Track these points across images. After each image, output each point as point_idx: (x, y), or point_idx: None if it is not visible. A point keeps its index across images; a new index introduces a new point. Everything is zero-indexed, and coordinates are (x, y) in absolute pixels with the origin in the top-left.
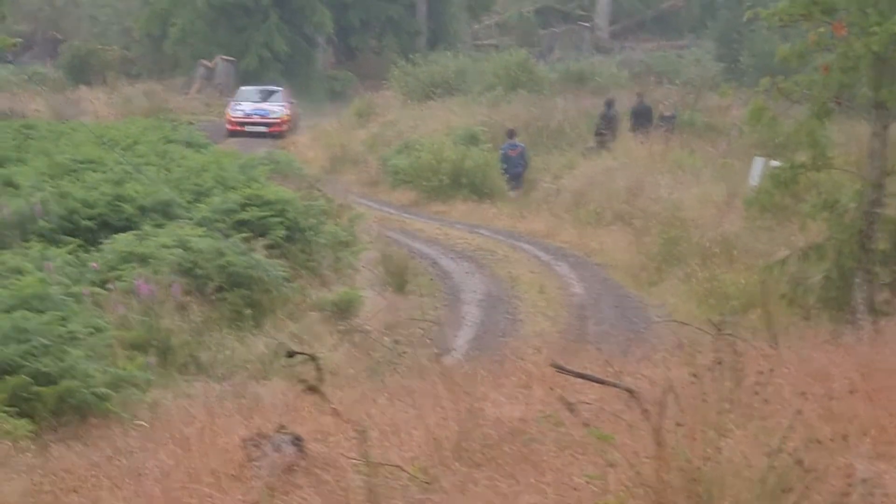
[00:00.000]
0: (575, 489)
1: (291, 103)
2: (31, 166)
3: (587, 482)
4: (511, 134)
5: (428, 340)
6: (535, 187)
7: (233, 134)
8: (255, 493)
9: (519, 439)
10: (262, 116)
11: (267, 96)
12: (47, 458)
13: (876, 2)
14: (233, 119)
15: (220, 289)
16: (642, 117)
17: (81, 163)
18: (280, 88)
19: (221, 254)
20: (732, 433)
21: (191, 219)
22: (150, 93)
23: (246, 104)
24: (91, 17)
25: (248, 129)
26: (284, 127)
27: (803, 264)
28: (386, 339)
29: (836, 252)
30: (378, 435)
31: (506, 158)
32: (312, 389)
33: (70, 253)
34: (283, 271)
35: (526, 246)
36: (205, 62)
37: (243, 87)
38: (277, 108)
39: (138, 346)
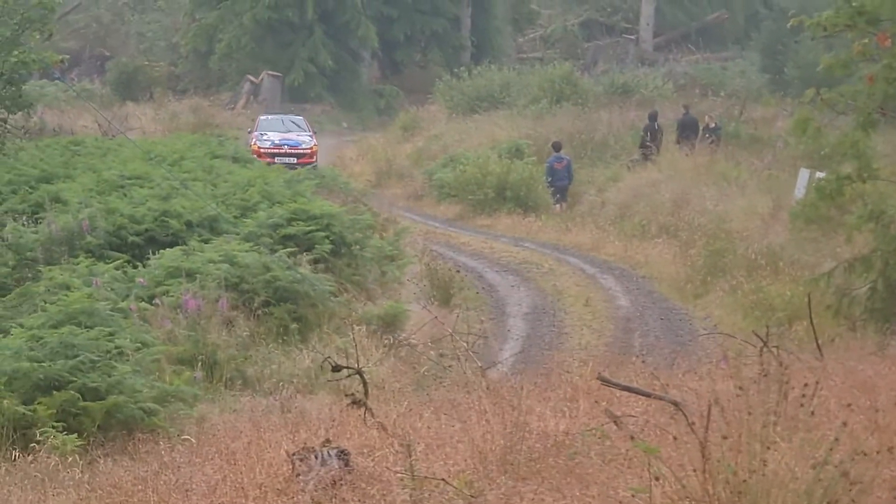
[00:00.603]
0: (620, 502)
1: (315, 133)
2: (79, 182)
3: (633, 495)
4: (557, 147)
5: (473, 354)
6: (580, 200)
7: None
8: None
9: (564, 452)
10: (293, 147)
11: (291, 125)
12: (95, 473)
13: None
14: (261, 150)
15: (266, 303)
16: (688, 129)
17: (129, 179)
18: (301, 117)
19: (268, 268)
20: (778, 446)
21: (237, 234)
22: (196, 108)
23: (272, 134)
24: (138, 33)
25: (277, 160)
26: (314, 158)
27: (849, 276)
28: (431, 352)
29: (883, 263)
30: (423, 449)
31: (551, 171)
32: (358, 403)
33: (117, 268)
34: (329, 285)
35: (571, 259)
36: (251, 77)
37: (263, 117)
38: (307, 138)
39: (185, 361)
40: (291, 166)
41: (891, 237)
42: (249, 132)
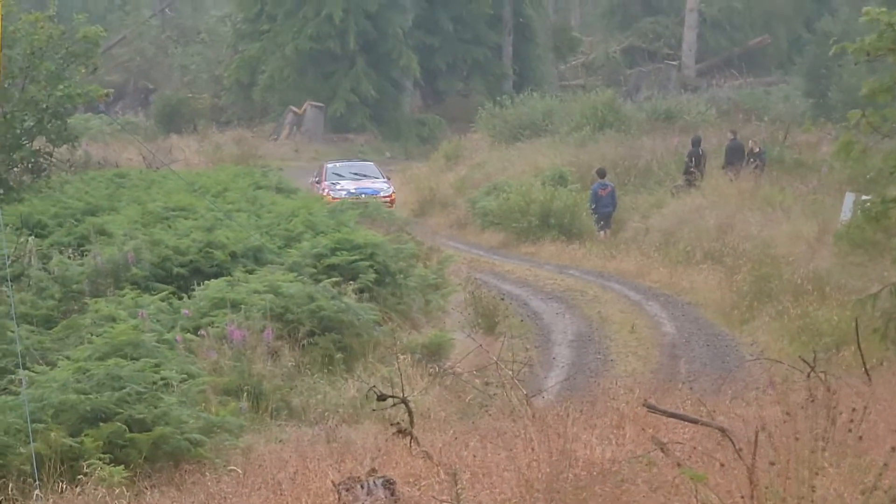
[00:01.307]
0: None
1: (389, 178)
2: (124, 215)
3: None
4: (601, 173)
5: (519, 382)
6: (625, 227)
7: None
8: None
9: (611, 480)
10: (372, 196)
11: (362, 171)
12: None
13: None
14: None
15: (311, 333)
16: (734, 155)
17: (173, 210)
18: (370, 162)
19: (312, 298)
20: (826, 471)
21: (281, 264)
22: (239, 140)
23: (346, 183)
24: (181, 66)
25: None
26: (393, 207)
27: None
28: (477, 381)
29: None
30: (469, 477)
31: (596, 198)
32: (404, 432)
33: (163, 300)
34: (374, 315)
35: (616, 286)
36: (293, 108)
37: (330, 165)
38: (384, 185)
39: (231, 392)
40: None
41: None
42: (315, 182)
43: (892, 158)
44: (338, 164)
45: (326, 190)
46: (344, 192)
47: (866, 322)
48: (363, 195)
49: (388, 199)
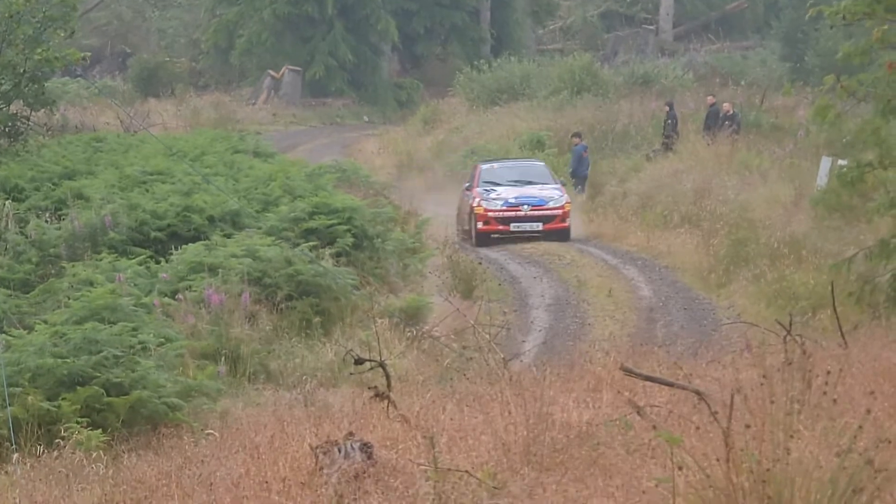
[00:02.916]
0: (644, 492)
1: (562, 183)
2: (101, 179)
3: (656, 485)
4: (578, 136)
5: (496, 346)
6: (602, 191)
7: (483, 239)
8: (324, 500)
9: (587, 443)
10: (536, 207)
11: (526, 174)
12: (119, 468)
13: None
14: (488, 213)
15: (288, 297)
16: (712, 119)
17: (151, 174)
18: (540, 162)
19: (290, 262)
20: (802, 434)
21: (259, 228)
22: (217, 104)
23: (504, 190)
24: (159, 30)
25: (514, 228)
26: (567, 222)
27: (872, 263)
28: (454, 344)
29: None
30: (446, 441)
31: (580, 160)
32: (381, 396)
33: (140, 264)
34: (352, 279)
35: (593, 250)
36: (271, 72)
37: (485, 166)
38: (554, 192)
39: (208, 356)
40: (534, 234)
41: None
42: (466, 189)
43: (867, 122)
44: (494, 165)
45: (477, 200)
46: (500, 203)
47: (842, 286)
48: (525, 206)
49: (558, 211)
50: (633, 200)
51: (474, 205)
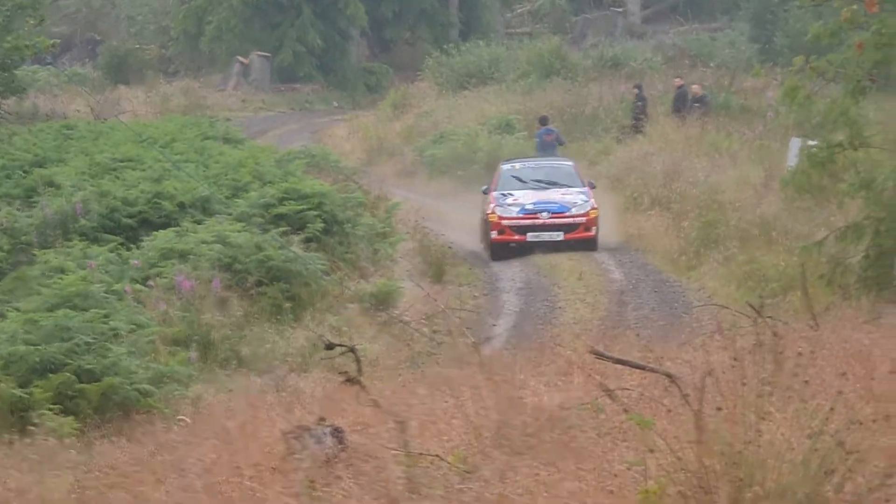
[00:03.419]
0: (615, 475)
1: (592, 184)
2: (72, 166)
3: (628, 468)
4: (544, 120)
5: (467, 330)
6: None
7: (498, 251)
8: (296, 485)
9: (559, 427)
10: (557, 214)
11: (552, 174)
12: (92, 455)
13: None
14: (502, 221)
15: (259, 283)
16: (681, 101)
17: (121, 161)
18: (569, 162)
19: (260, 248)
20: (773, 416)
21: (229, 214)
22: (187, 90)
23: (523, 194)
24: (128, 17)
25: (531, 238)
26: (593, 231)
27: (842, 244)
28: (425, 329)
29: (875, 231)
30: (418, 425)
31: (542, 144)
32: (352, 381)
33: (111, 251)
34: (322, 264)
35: None
36: (240, 58)
37: (506, 165)
38: (579, 197)
39: (180, 342)
40: (555, 245)
41: (883, 204)
42: (484, 191)
43: (837, 103)
44: (516, 165)
45: (492, 206)
46: (516, 209)
47: (813, 268)
48: (544, 213)
49: (582, 218)
50: (603, 183)
51: (488, 211)
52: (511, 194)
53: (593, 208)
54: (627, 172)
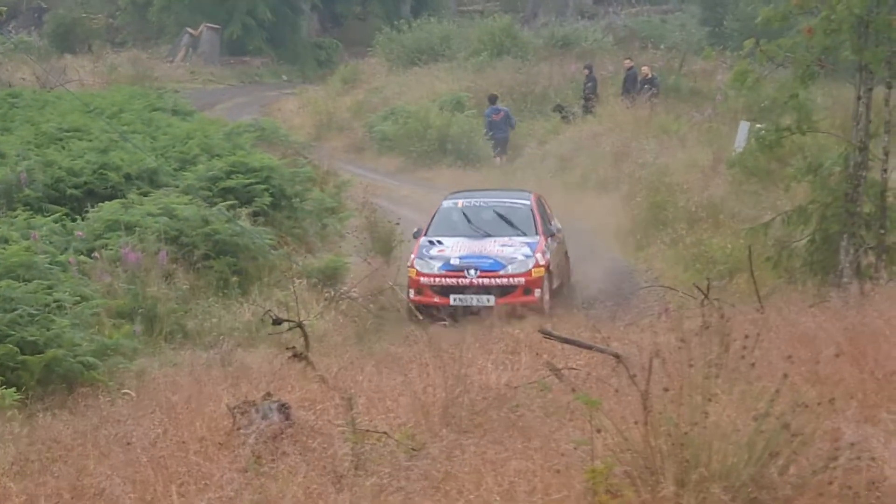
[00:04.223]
0: (562, 454)
1: (553, 230)
2: (17, 135)
3: (575, 448)
4: (493, 99)
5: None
6: (521, 153)
7: (424, 312)
8: (242, 460)
9: (506, 405)
10: (487, 273)
11: (499, 221)
12: (34, 428)
13: None
14: (423, 280)
15: (206, 257)
16: (630, 82)
17: (67, 131)
18: (527, 201)
19: (207, 222)
20: (719, 398)
21: (177, 187)
22: (135, 61)
23: (453, 242)
24: None
25: (455, 301)
26: (535, 294)
27: (788, 228)
28: (372, 305)
29: (821, 215)
30: (365, 402)
31: (490, 124)
32: (299, 357)
33: (56, 221)
34: (269, 239)
35: None
36: (189, 30)
37: (449, 202)
38: (520, 250)
39: (125, 315)
40: (485, 309)
41: (829, 189)
42: (416, 234)
43: (786, 87)
44: (460, 202)
45: (412, 257)
46: (439, 264)
47: (759, 250)
48: (472, 271)
49: (520, 279)
50: (552, 162)
51: (409, 264)
52: (439, 243)
53: (537, 266)
54: (576, 152)
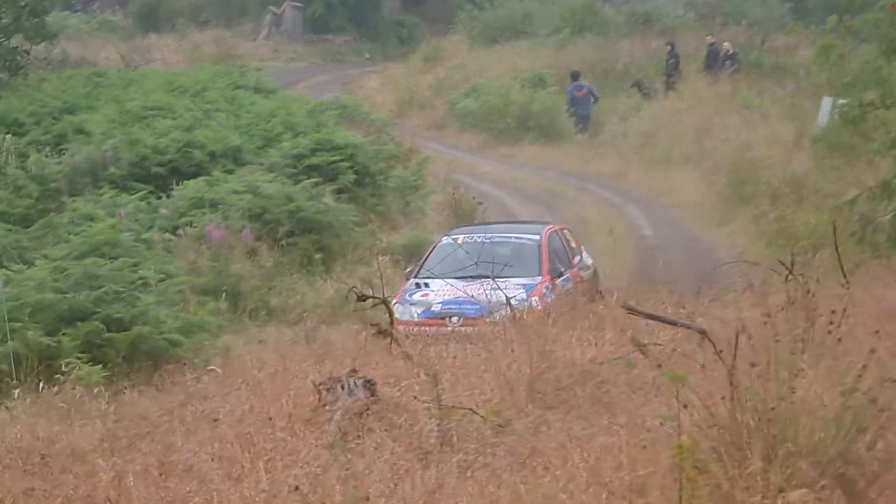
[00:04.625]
0: (648, 430)
1: (561, 273)
2: (102, 114)
3: (661, 423)
4: (575, 76)
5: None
6: (603, 130)
7: None
8: (328, 436)
9: (591, 381)
10: (472, 321)
11: (506, 259)
12: (121, 404)
13: None
14: (401, 329)
15: (290, 234)
16: (712, 58)
17: (151, 109)
18: (537, 235)
19: (291, 199)
20: (806, 373)
21: (261, 164)
22: (218, 39)
23: (440, 286)
24: None
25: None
26: None
27: (873, 204)
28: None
29: None
30: (450, 378)
31: (573, 100)
32: (383, 333)
33: (141, 199)
34: (353, 216)
35: (594, 188)
36: (273, 8)
37: (449, 238)
38: (512, 293)
39: (209, 292)
40: None
41: None
42: (408, 275)
43: (869, 63)
44: (461, 238)
45: (394, 302)
46: (419, 311)
47: (843, 226)
48: (455, 319)
49: None
50: (634, 139)
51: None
52: (425, 286)
53: (532, 311)
54: (658, 129)
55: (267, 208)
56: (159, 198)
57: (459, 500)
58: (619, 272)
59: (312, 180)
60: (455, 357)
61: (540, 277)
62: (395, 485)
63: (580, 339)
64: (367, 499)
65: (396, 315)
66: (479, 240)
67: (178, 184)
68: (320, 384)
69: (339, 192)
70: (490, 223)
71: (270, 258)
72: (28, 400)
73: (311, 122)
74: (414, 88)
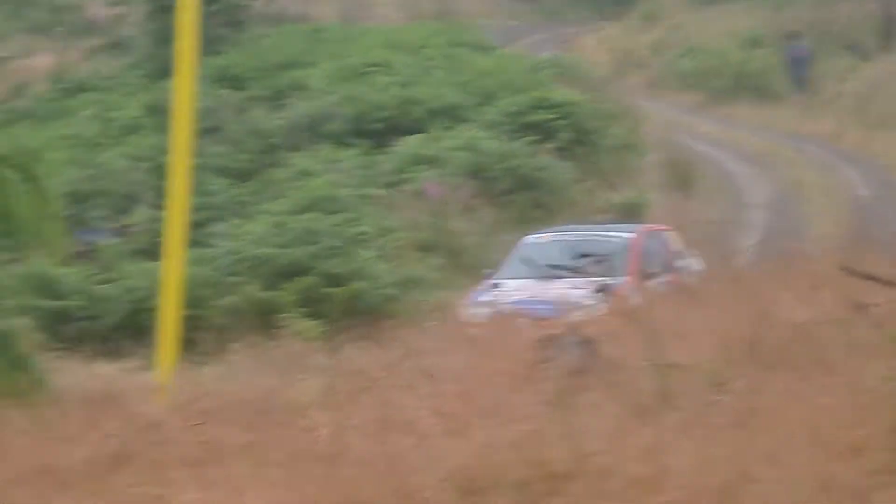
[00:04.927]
0: (868, 391)
1: (651, 274)
2: (321, 69)
3: (882, 383)
4: (793, 36)
5: (715, 243)
6: (820, 90)
7: None
8: (547, 393)
9: (810, 341)
10: (542, 321)
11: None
12: (339, 359)
13: None
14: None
15: (508, 191)
16: None
17: (370, 66)
18: (631, 233)
19: (509, 156)
20: None
21: (478, 122)
22: None
23: (516, 285)
24: None
25: None
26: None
27: None
28: None
29: None
30: (667, 337)
31: (792, 61)
32: (603, 290)
33: (359, 155)
34: (570, 174)
35: (810, 148)
36: None
37: (532, 237)
38: (591, 294)
39: (427, 248)
40: None
41: None
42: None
43: None
44: (545, 237)
45: (464, 303)
46: (486, 312)
47: None
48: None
49: None
50: (851, 101)
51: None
52: (502, 285)
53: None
54: (876, 90)
55: (485, 165)
56: (377, 154)
57: (677, 457)
58: (836, 232)
59: (530, 138)
60: (672, 315)
61: (624, 277)
62: (613, 442)
63: (797, 300)
64: (586, 455)
65: (468, 313)
66: (565, 239)
67: (395, 140)
68: (539, 341)
69: (557, 149)
70: (586, 224)
71: (488, 215)
72: (247, 354)
73: (529, 79)
74: (631, 48)
